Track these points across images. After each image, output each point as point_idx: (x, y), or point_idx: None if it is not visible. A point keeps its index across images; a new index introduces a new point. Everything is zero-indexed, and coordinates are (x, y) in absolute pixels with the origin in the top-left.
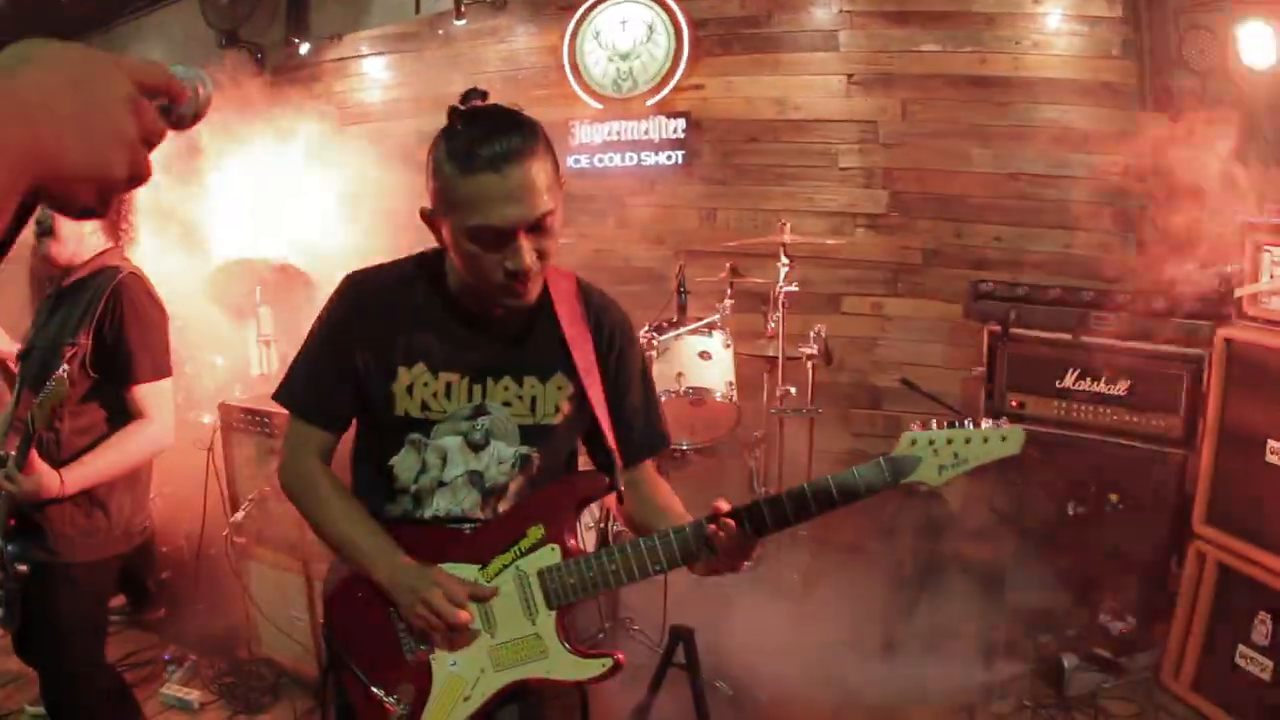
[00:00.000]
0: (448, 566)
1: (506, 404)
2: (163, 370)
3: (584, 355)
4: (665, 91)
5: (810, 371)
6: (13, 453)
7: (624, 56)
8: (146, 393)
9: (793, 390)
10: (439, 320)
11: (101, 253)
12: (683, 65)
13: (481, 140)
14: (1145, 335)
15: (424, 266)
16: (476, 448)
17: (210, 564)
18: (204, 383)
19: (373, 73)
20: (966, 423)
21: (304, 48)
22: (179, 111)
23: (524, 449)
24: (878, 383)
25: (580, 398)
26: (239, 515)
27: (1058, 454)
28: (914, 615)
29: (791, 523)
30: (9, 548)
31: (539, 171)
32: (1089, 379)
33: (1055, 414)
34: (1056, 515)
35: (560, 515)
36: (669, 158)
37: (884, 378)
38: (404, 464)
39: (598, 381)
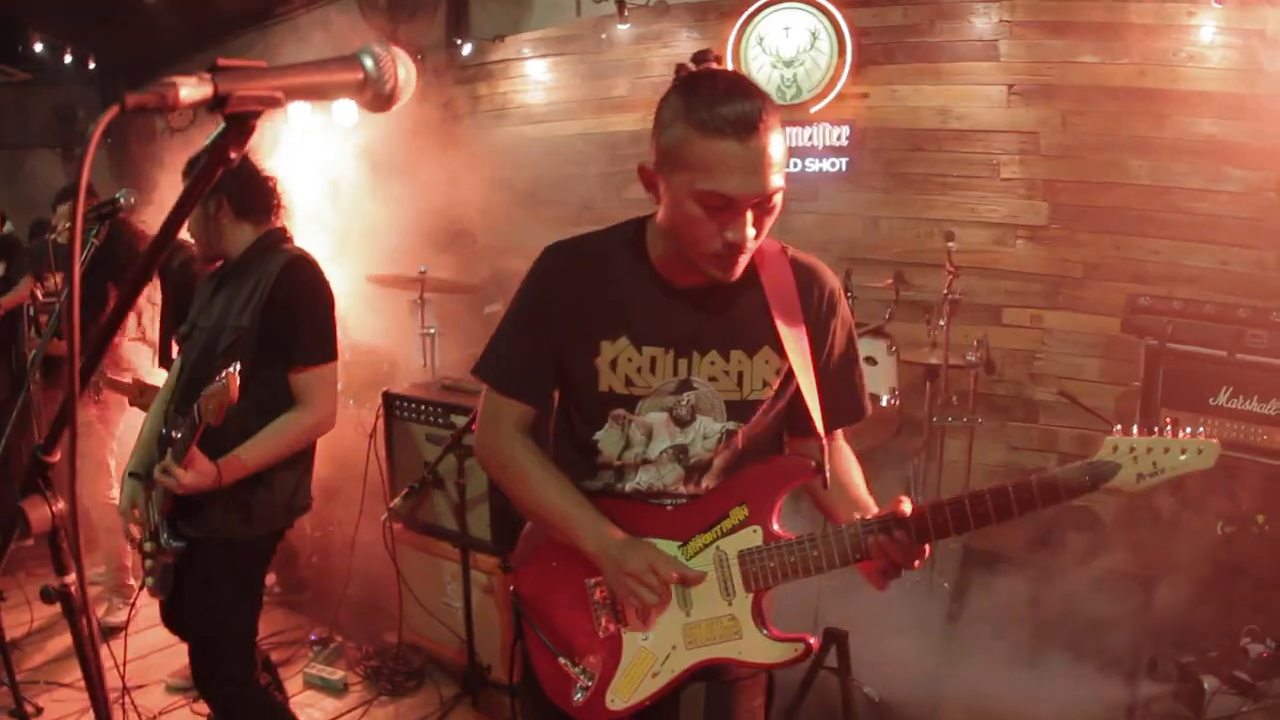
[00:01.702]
0: (649, 541)
1: (712, 379)
2: (328, 354)
3: (792, 327)
4: (829, 98)
5: (972, 381)
6: (178, 434)
7: (787, 63)
8: (311, 377)
9: (954, 399)
10: (642, 292)
11: (265, 234)
12: (846, 72)
13: (725, 102)
14: None
15: (625, 238)
16: (682, 423)
17: (364, 550)
18: (363, 371)
19: (535, 75)
20: (1165, 432)
21: (466, 49)
22: (379, 90)
23: (730, 424)
24: (1035, 396)
25: (788, 372)
26: (398, 501)
27: (1209, 472)
28: (1060, 627)
29: (992, 521)
30: (165, 527)
31: (776, 144)
32: (1242, 397)
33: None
34: (1205, 533)
35: (764, 497)
36: (833, 165)
37: (1041, 391)
38: (607, 439)
39: (806, 356)
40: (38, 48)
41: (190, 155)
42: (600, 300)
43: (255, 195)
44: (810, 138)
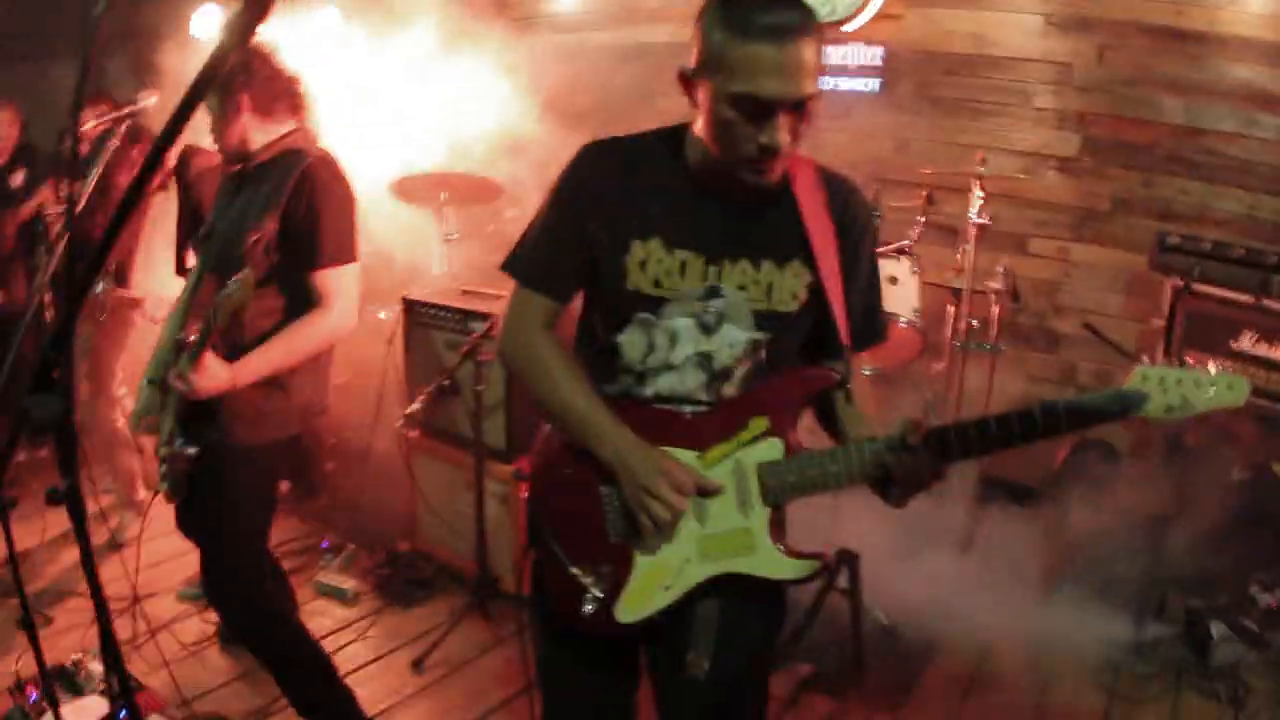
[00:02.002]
0: (666, 450)
1: (741, 287)
2: (349, 254)
3: (823, 243)
4: (864, 18)
5: (996, 309)
6: (193, 338)
7: None
8: (331, 277)
9: (975, 324)
10: (677, 195)
11: (287, 134)
12: None
13: (764, 8)
14: None
15: (663, 140)
16: (708, 330)
17: (378, 457)
18: (381, 278)
19: None
20: (1197, 365)
21: None
22: None
23: (756, 334)
24: (1057, 327)
25: (817, 287)
26: (415, 406)
27: (1226, 417)
28: (1072, 564)
29: (1016, 443)
30: (180, 431)
31: (812, 52)
32: (1265, 343)
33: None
34: (1220, 478)
35: (785, 409)
36: (865, 85)
37: (1064, 323)
38: (631, 342)
39: (836, 271)
40: None
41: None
42: (635, 199)
43: (277, 94)
44: (844, 57)
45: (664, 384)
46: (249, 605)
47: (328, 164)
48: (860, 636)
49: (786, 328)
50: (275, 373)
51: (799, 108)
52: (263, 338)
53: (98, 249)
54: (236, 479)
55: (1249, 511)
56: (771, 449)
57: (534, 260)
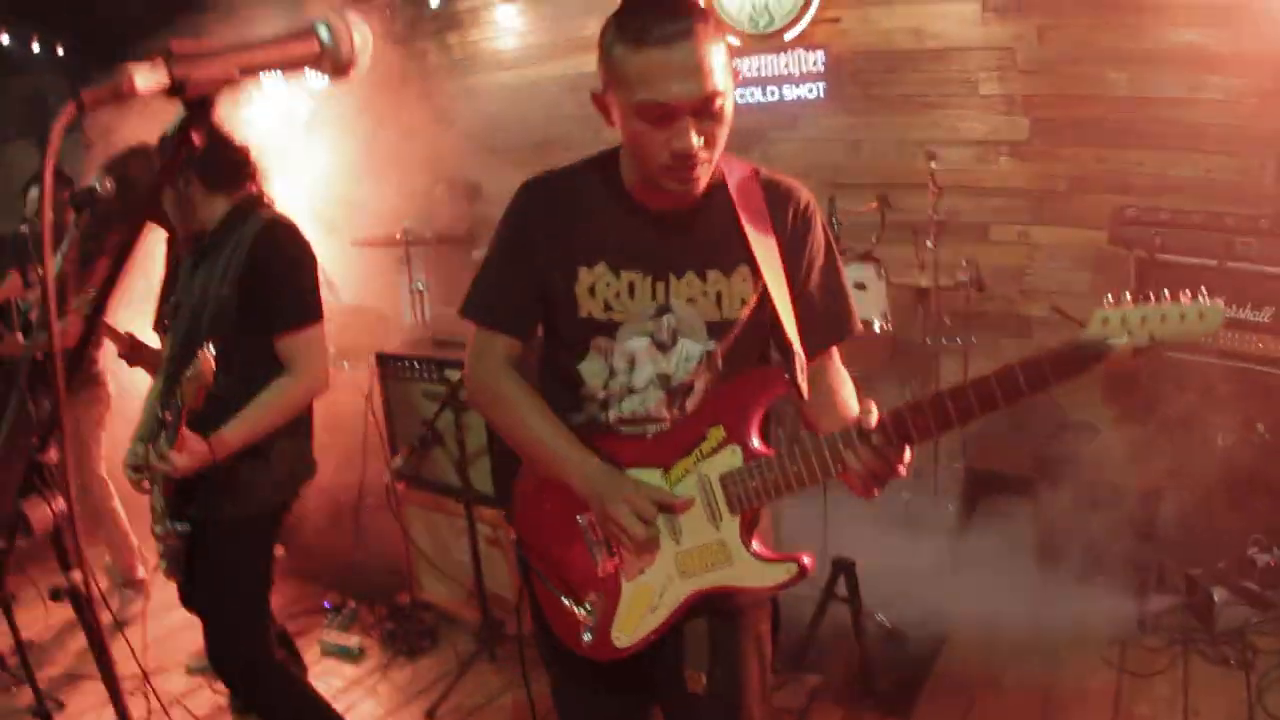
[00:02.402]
0: (632, 471)
1: (691, 300)
2: (313, 315)
3: (765, 246)
4: (802, 25)
5: (963, 301)
6: (169, 416)
7: None
8: (297, 340)
9: (946, 320)
10: (617, 217)
11: (240, 201)
12: None
13: (653, 17)
14: None
15: (598, 165)
16: (664, 347)
17: (369, 511)
18: (356, 332)
19: (504, 20)
20: (1163, 297)
21: (434, 1)
22: (336, 58)
23: (710, 344)
24: (1026, 312)
25: (763, 290)
26: (399, 460)
27: (1205, 383)
28: (1067, 547)
29: (976, 413)
30: (169, 512)
31: (709, 52)
32: (1234, 305)
33: (1201, 342)
34: (1206, 444)
35: (740, 415)
36: (810, 91)
37: (1033, 306)
38: (591, 369)
39: (780, 273)
40: (3, 39)
41: (161, 132)
42: (577, 227)
43: (225, 165)
44: (786, 65)
45: (627, 407)
46: (254, 676)
47: (281, 226)
48: (864, 642)
49: (740, 334)
50: (253, 442)
51: (706, 110)
52: (237, 406)
53: (81, 336)
54: (230, 553)
55: (1238, 474)
56: (732, 456)
57: (488, 301)
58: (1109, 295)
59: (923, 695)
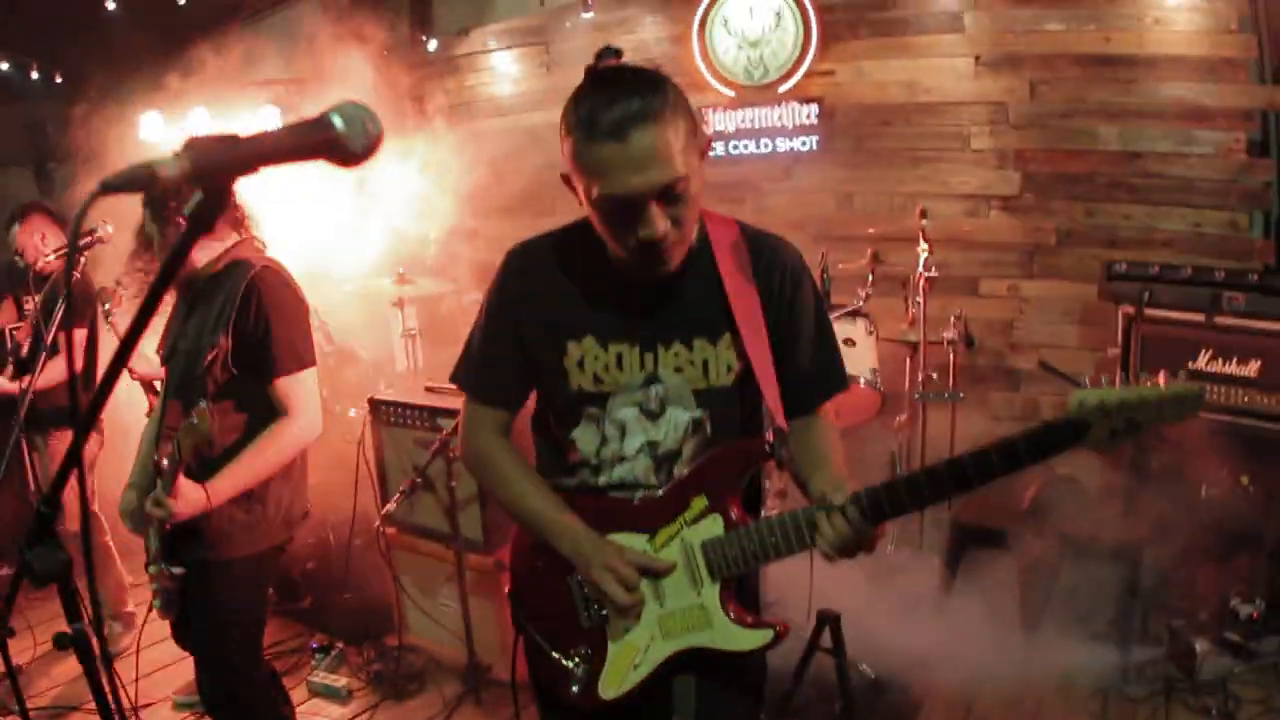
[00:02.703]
0: (618, 535)
1: (678, 369)
2: (305, 360)
3: (747, 311)
4: (797, 78)
5: (951, 356)
6: (165, 463)
7: (753, 44)
8: (290, 385)
9: (934, 375)
10: (602, 289)
11: (231, 247)
12: (812, 51)
13: (604, 105)
14: (1277, 315)
15: (581, 234)
16: (653, 416)
17: (358, 554)
18: (346, 376)
19: (501, 67)
20: (1143, 380)
21: (431, 44)
22: (349, 149)
23: (698, 413)
24: (1015, 365)
25: (748, 360)
26: (390, 506)
27: (1190, 435)
28: (1051, 598)
29: (950, 494)
30: (163, 554)
31: (666, 136)
32: (1221, 360)
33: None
34: (1190, 497)
35: (722, 485)
36: (803, 143)
37: (1021, 360)
38: (584, 437)
39: (763, 336)
40: (2, 67)
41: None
42: (563, 300)
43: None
44: (779, 117)
45: (617, 474)
46: (247, 714)
47: (273, 272)
48: (849, 693)
49: (727, 400)
50: (249, 487)
51: (669, 195)
52: (231, 451)
53: (101, 384)
54: (225, 594)
55: (1222, 527)
56: (713, 525)
57: (477, 374)
58: (1085, 378)
59: None
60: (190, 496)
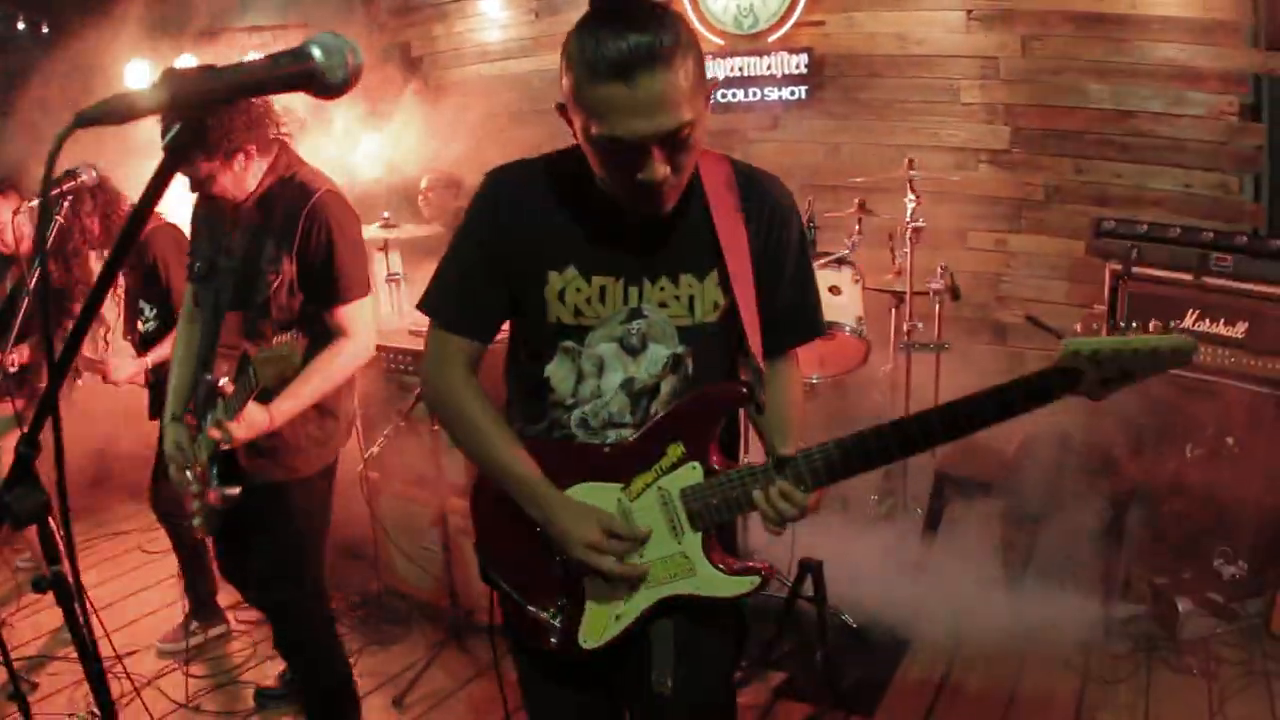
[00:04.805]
0: (589, 486)
1: (663, 304)
2: (365, 288)
3: (735, 248)
4: (787, 27)
5: (937, 307)
6: (224, 383)
7: None
8: (351, 312)
9: (920, 325)
10: (588, 219)
11: (273, 163)
12: (803, 0)
13: (611, 42)
14: (1264, 277)
15: (568, 162)
16: (633, 352)
17: (341, 500)
18: None
19: (490, 13)
20: (1134, 328)
21: None
22: (329, 81)
23: (679, 349)
24: (1002, 318)
25: (733, 298)
26: (374, 449)
27: (1176, 396)
28: (1035, 553)
29: (938, 441)
30: (220, 476)
31: (675, 79)
32: (1208, 320)
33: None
34: (1175, 456)
35: (699, 431)
36: (792, 93)
37: (1008, 313)
38: (559, 374)
39: (748, 276)
40: None
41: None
42: (546, 228)
43: (269, 129)
44: (769, 66)
45: (591, 410)
46: (329, 629)
47: (335, 196)
48: (829, 641)
49: (710, 338)
50: (310, 405)
51: (672, 140)
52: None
53: (74, 329)
54: (301, 512)
55: (1206, 487)
56: (692, 473)
57: (450, 301)
58: (1077, 327)
59: (886, 695)
60: (255, 420)
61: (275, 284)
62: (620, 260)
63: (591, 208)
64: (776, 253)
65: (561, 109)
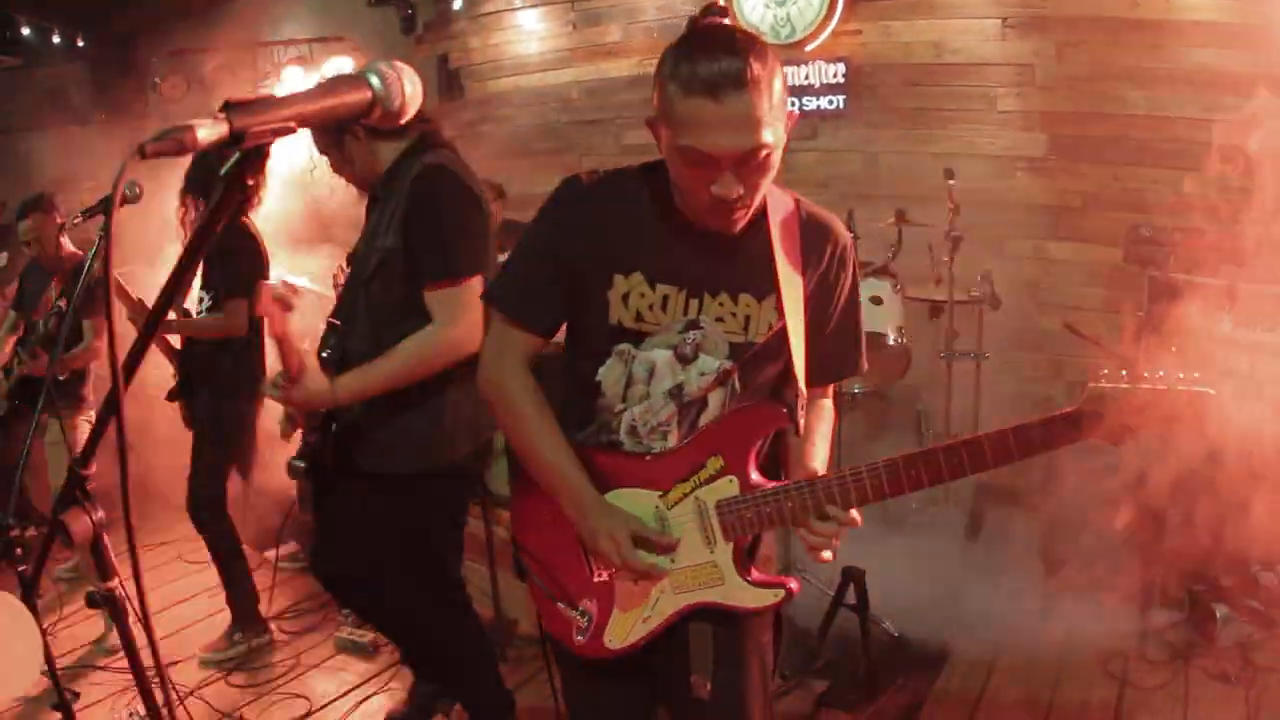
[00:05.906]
0: (629, 491)
1: (720, 319)
2: (461, 269)
3: (793, 286)
4: (824, 37)
5: (978, 315)
6: (324, 354)
7: (780, 3)
8: (442, 294)
9: (960, 334)
10: (659, 230)
11: (412, 142)
12: (839, 10)
13: (704, 63)
14: None
15: (648, 175)
16: (685, 360)
17: None
18: None
19: (527, 25)
20: (1158, 380)
21: (457, 2)
22: (388, 108)
23: (728, 363)
24: (1042, 326)
25: (784, 326)
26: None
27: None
28: (1073, 558)
29: (969, 471)
30: (300, 452)
31: (759, 103)
32: (1246, 326)
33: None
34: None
35: (739, 446)
36: (830, 102)
37: (1048, 320)
38: (610, 377)
39: (800, 311)
40: (25, 31)
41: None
42: (617, 233)
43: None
44: (806, 76)
45: (639, 413)
46: (463, 650)
47: (436, 171)
48: (870, 650)
49: (759, 357)
50: (382, 391)
51: (750, 161)
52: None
53: (155, 309)
54: (385, 507)
55: (1245, 494)
56: (729, 486)
57: (516, 292)
58: (1104, 370)
59: (926, 705)
60: (311, 385)
61: (379, 261)
62: (685, 272)
63: (664, 220)
64: (830, 294)
65: (651, 124)
